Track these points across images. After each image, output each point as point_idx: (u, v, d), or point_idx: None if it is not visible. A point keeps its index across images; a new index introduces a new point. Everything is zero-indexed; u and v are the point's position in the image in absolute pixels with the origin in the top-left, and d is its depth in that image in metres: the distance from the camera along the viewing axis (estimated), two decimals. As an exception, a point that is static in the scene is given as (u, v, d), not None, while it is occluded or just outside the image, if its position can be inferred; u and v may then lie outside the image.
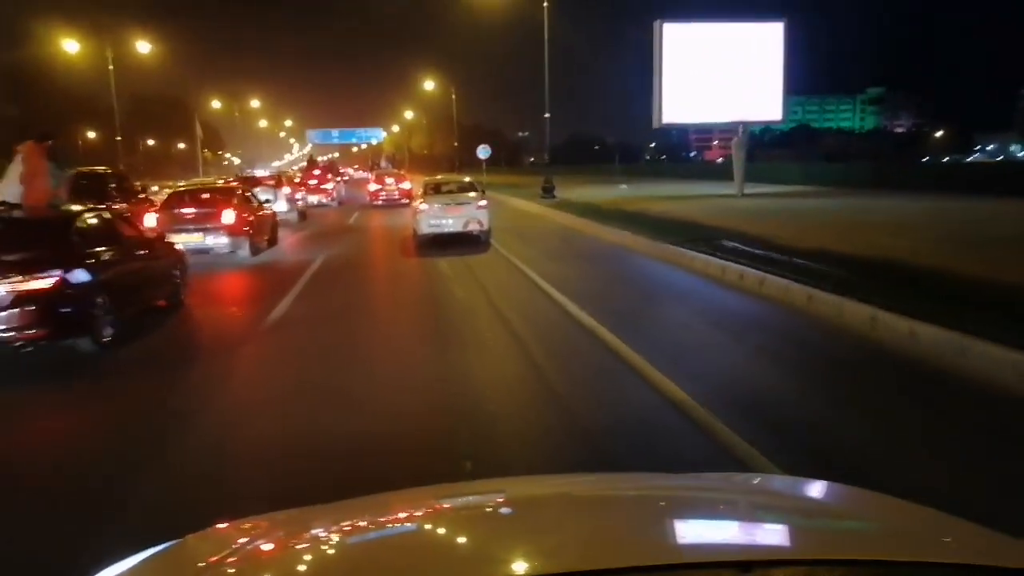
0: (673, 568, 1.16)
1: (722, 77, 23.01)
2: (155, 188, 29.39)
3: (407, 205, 25.11)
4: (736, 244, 12.13)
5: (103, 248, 8.01)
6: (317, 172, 36.44)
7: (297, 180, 29.46)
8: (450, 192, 16.60)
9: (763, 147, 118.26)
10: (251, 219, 15.26)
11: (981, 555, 1.29)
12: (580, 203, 22.93)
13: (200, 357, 7.58)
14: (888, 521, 1.56)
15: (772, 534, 1.51)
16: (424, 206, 15.68)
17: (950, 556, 1.29)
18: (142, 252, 8.99)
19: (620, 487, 1.95)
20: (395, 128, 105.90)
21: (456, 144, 56.62)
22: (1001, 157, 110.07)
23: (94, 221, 8.38)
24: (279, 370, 6.91)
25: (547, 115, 26.03)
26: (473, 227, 15.56)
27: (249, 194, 17.41)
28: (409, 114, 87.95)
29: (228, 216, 14.44)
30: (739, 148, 23.67)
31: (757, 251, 11.35)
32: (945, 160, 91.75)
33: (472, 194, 16.26)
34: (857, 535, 1.47)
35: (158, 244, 9.84)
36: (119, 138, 39.43)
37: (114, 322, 7.69)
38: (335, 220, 24.85)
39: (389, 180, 31.10)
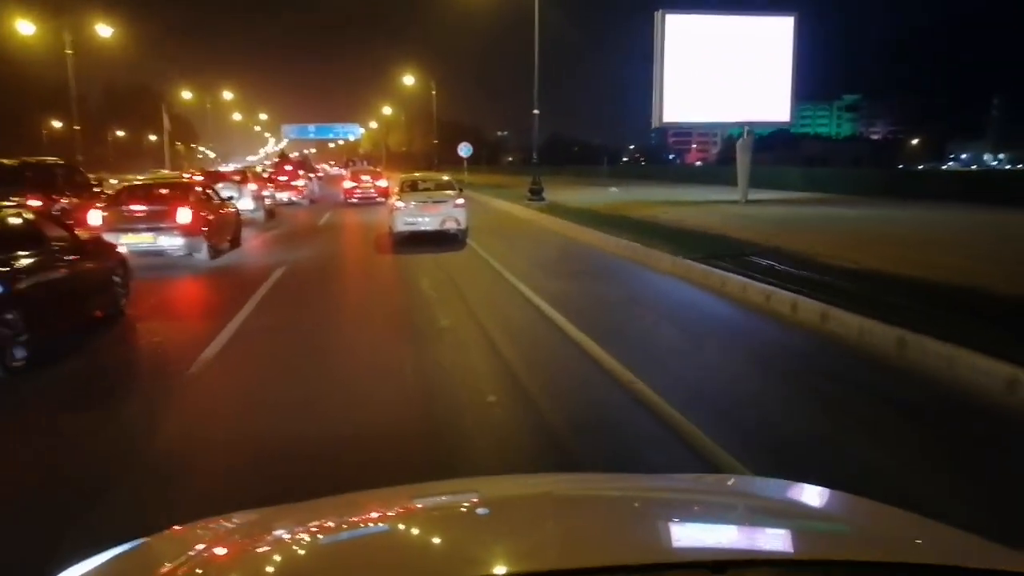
0: (648, 569, 1.11)
1: (727, 74, 21.14)
2: (114, 181, 27.04)
3: (383, 203, 24.30)
4: (771, 262, 10.19)
5: (18, 253, 6.80)
6: (289, 168, 34.22)
7: (266, 176, 27.23)
8: (427, 190, 16.15)
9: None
10: (210, 218, 13.81)
11: (952, 556, 1.28)
12: (573, 207, 20.96)
13: (129, 389, 6.08)
14: (861, 523, 1.54)
15: (747, 535, 1.47)
16: (400, 204, 15.19)
17: (922, 557, 1.28)
18: (71, 257, 7.75)
19: (596, 487, 1.92)
20: (373, 124, 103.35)
21: (436, 141, 54.40)
22: (975, 166, 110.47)
23: (8, 221, 7.16)
24: (225, 408, 5.54)
25: (535, 111, 24.02)
26: (450, 225, 15.09)
27: (210, 191, 15.60)
28: (387, 110, 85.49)
29: (183, 215, 12.91)
30: (744, 151, 21.81)
31: (802, 272, 9.42)
32: (922, 168, 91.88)
33: (449, 192, 15.86)
34: (830, 536, 1.45)
35: (93, 246, 8.65)
36: (77, 127, 36.62)
37: (30, 342, 6.43)
38: (305, 220, 22.66)
39: (365, 177, 29.70)
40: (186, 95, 70.47)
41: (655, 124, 21.57)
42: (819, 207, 20.40)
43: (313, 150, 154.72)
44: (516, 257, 13.27)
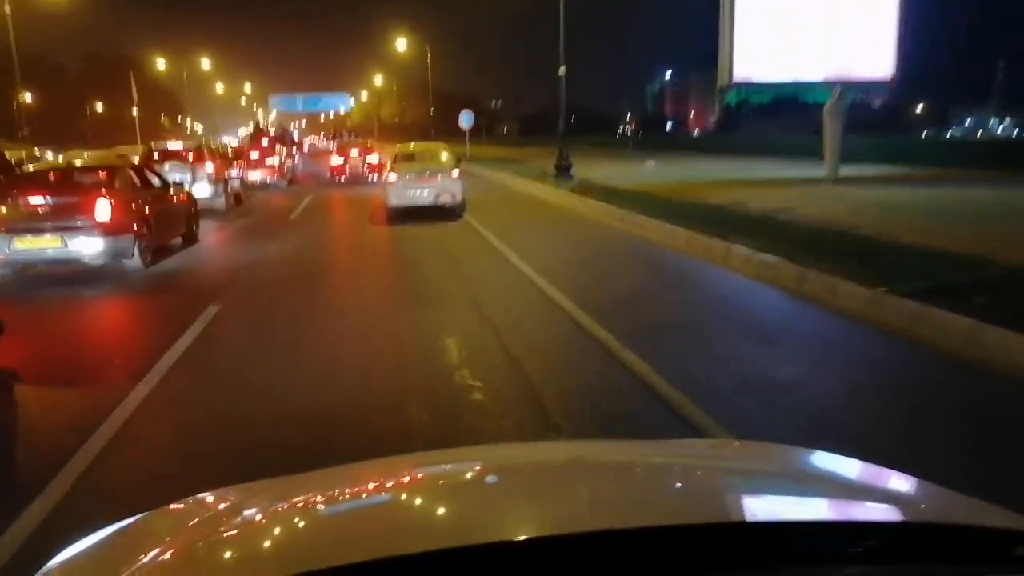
0: (658, 532, 1.05)
1: (816, 20, 16.27)
2: (50, 158, 22.08)
3: (375, 183, 21.50)
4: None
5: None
6: (266, 143, 29.18)
7: (231, 153, 22.32)
8: (423, 162, 15.26)
9: (746, 118, 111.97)
10: (145, 211, 10.46)
11: (962, 518, 1.22)
12: (620, 189, 16.15)
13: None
14: (859, 484, 1.50)
15: (743, 498, 1.42)
16: (394, 176, 14.49)
17: (921, 517, 1.25)
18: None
19: (595, 454, 1.85)
20: (364, 95, 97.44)
21: (432, 110, 49.22)
22: (980, 131, 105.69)
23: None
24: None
25: (562, 68, 19.06)
26: (445, 199, 14.44)
27: (148, 174, 11.68)
28: (379, 79, 79.55)
29: (103, 208, 9.57)
30: (835, 116, 16.89)
31: None
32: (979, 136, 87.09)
33: (445, 164, 15.14)
34: (836, 499, 1.40)
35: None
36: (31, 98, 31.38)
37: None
38: (280, 206, 17.81)
39: (353, 152, 25.52)
40: (160, 64, 64.31)
41: (722, 83, 16.67)
42: (935, 187, 15.63)
43: (303, 122, 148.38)
44: (592, 285, 8.39)
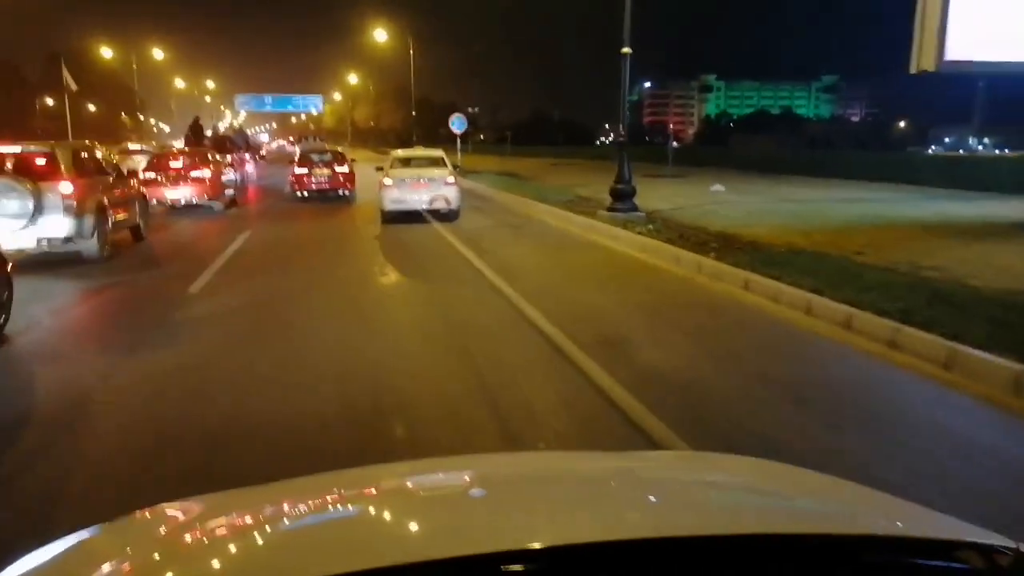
0: (633, 547, 1.02)
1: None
2: None
3: (347, 198, 18.70)
4: None
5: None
6: (202, 148, 22.31)
7: (119, 159, 15.38)
8: (418, 167, 14.54)
9: (738, 132, 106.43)
10: None
11: (908, 528, 1.25)
12: (744, 237, 9.75)
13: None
14: (825, 498, 1.45)
15: (711, 510, 1.34)
16: (389, 181, 13.92)
17: (875, 529, 1.22)
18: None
19: (567, 465, 1.82)
20: (337, 96, 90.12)
21: (414, 113, 42.37)
22: (961, 150, 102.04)
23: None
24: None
25: (625, 50, 12.52)
26: (440, 204, 13.91)
27: None
28: (353, 78, 72.15)
29: None
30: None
31: None
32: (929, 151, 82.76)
33: (441, 170, 14.32)
34: (797, 511, 1.36)
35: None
36: None
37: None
38: (187, 256, 11.00)
39: (319, 160, 19.33)
40: (107, 53, 56.59)
41: (919, 67, 10.10)
42: None
43: (273, 124, 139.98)
44: None
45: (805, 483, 1.55)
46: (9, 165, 9.73)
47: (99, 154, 11.31)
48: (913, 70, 10.19)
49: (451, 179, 14.10)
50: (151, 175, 15.07)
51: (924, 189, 18.44)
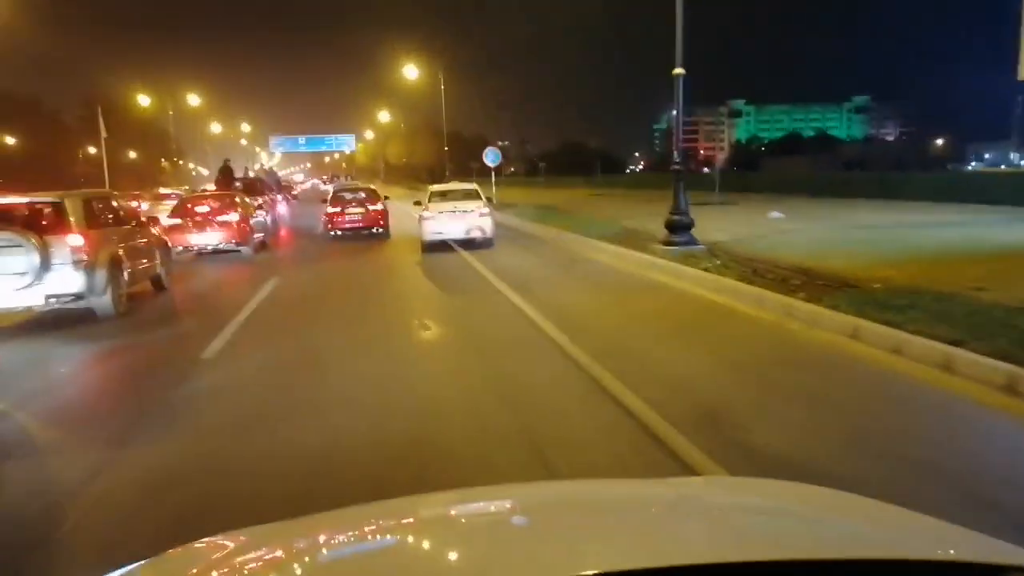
0: (672, 572, 1.02)
1: None
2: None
3: (381, 235, 18.11)
4: None
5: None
6: (235, 189, 21.66)
7: (144, 204, 14.59)
8: (455, 199, 15.35)
9: (769, 155, 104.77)
10: None
11: (954, 551, 1.22)
12: (833, 274, 8.43)
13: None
14: (867, 521, 1.40)
15: (759, 536, 1.31)
16: (428, 214, 14.83)
17: (922, 553, 1.20)
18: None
19: (605, 492, 1.79)
20: (369, 135, 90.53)
21: (446, 148, 41.76)
22: (1003, 166, 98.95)
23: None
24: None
25: (678, 71, 11.40)
26: (476, 234, 14.71)
27: None
28: (385, 115, 72.21)
29: None
30: None
31: None
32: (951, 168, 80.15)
33: (476, 202, 15.16)
34: (851, 536, 1.31)
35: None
36: None
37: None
38: (206, 308, 10.06)
39: (352, 198, 18.75)
40: (144, 100, 57.37)
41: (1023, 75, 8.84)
42: None
43: (308, 164, 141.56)
44: None
45: (850, 507, 1.49)
46: (14, 217, 8.87)
47: (116, 203, 10.43)
48: (1021, 77, 8.90)
49: (485, 210, 14.95)
50: (176, 221, 14.26)
51: (991, 208, 16.91)
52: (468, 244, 14.79)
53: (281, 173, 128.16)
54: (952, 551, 1.21)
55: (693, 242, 11.96)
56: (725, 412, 4.71)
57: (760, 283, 8.49)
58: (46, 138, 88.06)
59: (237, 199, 15.79)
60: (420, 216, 14.92)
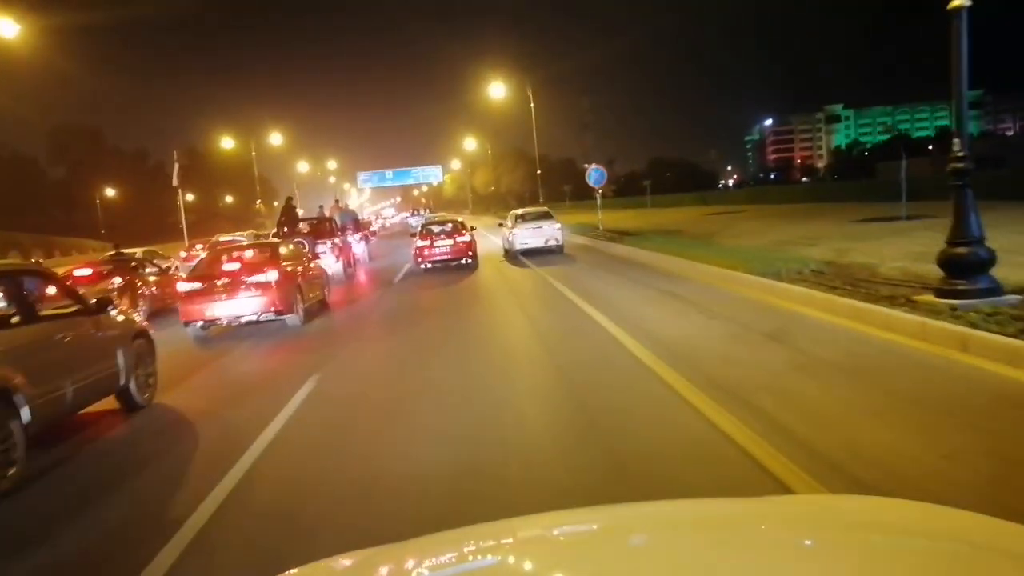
0: None
1: None
2: None
3: (470, 266, 17.57)
4: None
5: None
6: (298, 230, 17.98)
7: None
8: (533, 219, 19.83)
9: (879, 160, 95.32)
10: None
11: None
12: None
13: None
14: (959, 536, 1.28)
15: (838, 557, 1.22)
16: (516, 231, 19.29)
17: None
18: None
19: (712, 511, 1.65)
20: (455, 164, 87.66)
21: (539, 172, 37.29)
22: None
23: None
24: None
25: (958, 2, 6.47)
26: (552, 243, 19.05)
27: None
28: (471, 143, 68.66)
29: None
30: None
31: None
32: None
33: (548, 220, 19.60)
34: (936, 553, 1.21)
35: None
36: None
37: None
38: (204, 441, 5.71)
39: (439, 231, 18.26)
40: (228, 143, 55.87)
41: None
42: None
43: (398, 198, 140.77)
44: None
45: (971, 527, 1.33)
46: None
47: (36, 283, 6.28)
48: None
49: (557, 225, 19.39)
50: (194, 285, 10.18)
51: None
52: (608, 303, 10.11)
53: (372, 208, 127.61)
54: None
55: (996, 290, 6.85)
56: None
57: None
58: (153, 189, 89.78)
59: (281, 249, 11.61)
60: (506, 234, 20.06)
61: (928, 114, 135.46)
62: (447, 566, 1.31)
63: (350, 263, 19.28)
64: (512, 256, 18.77)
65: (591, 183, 23.07)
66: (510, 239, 19.34)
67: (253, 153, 53.02)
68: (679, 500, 2.26)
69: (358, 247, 22.45)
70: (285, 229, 17.90)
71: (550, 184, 62.91)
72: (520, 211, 21.30)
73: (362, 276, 19.26)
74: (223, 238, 23.47)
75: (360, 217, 30.14)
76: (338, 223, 21.88)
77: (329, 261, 17.04)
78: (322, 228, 18.61)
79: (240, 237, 22.23)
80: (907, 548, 1.25)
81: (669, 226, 21.66)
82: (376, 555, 1.41)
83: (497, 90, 35.35)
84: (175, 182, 31.84)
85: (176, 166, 31.82)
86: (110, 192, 75.44)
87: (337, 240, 18.01)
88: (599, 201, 23.66)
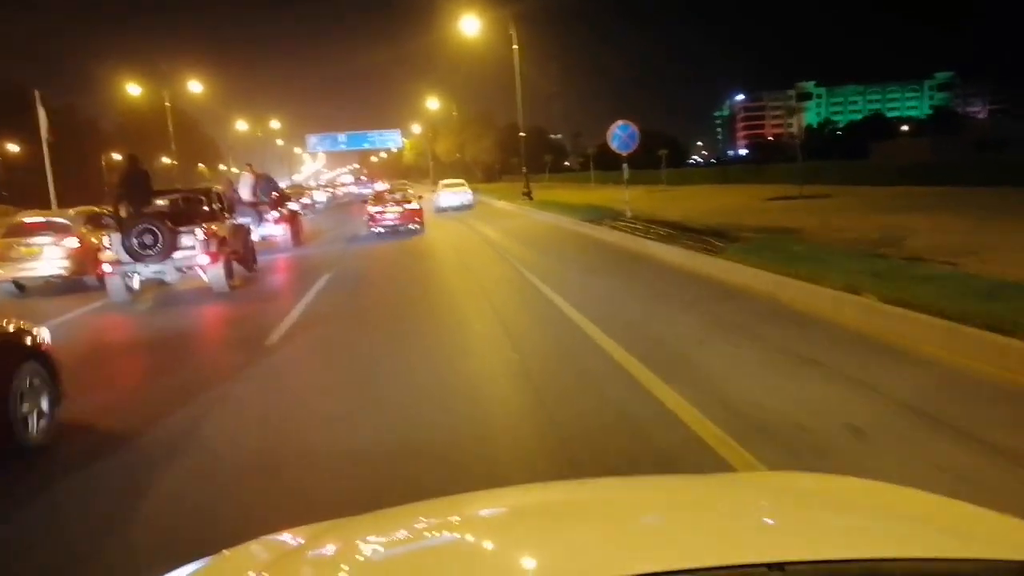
0: (708, 571, 0.96)
1: None
2: None
3: (418, 232, 17.88)
4: None
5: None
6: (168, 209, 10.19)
7: None
8: (452, 188, 27.81)
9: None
10: None
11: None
12: None
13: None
14: (919, 517, 1.28)
15: (803, 533, 1.20)
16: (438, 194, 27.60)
17: (994, 552, 1.06)
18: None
19: (642, 491, 1.62)
20: (417, 129, 78.95)
21: (522, 135, 29.73)
22: None
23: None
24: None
25: None
26: (465, 201, 26.75)
27: None
28: (434, 103, 60.07)
29: None
30: None
31: None
32: None
33: (463, 186, 28.20)
34: (888, 532, 1.19)
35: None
36: None
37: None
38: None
39: (390, 198, 19.27)
40: (134, 90, 46.64)
41: None
42: None
43: (356, 165, 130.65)
44: None
45: (915, 503, 1.36)
46: None
47: None
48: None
49: (468, 191, 27.90)
50: None
51: None
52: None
53: (328, 176, 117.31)
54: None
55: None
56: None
57: None
58: (86, 146, 78.86)
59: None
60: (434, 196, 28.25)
61: (899, 94, 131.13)
62: (400, 543, 1.25)
63: (247, 261, 11.64)
64: (440, 211, 25.04)
65: (614, 147, 15.66)
66: (434, 199, 27.23)
67: (167, 104, 43.73)
68: (631, 477, 2.30)
69: (270, 230, 14.77)
70: (126, 207, 10.08)
71: (512, 153, 55.06)
72: (446, 182, 29.26)
73: (283, 267, 11.76)
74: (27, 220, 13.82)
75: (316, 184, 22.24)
76: (242, 197, 14.17)
77: (202, 260, 9.48)
78: (192, 207, 10.77)
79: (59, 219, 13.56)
80: (855, 525, 1.22)
81: (733, 216, 14.41)
82: (326, 530, 1.35)
83: (470, 25, 27.31)
84: (44, 135, 23.22)
85: (41, 112, 23.18)
86: (13, 148, 64.71)
87: (218, 226, 10.23)
88: (626, 175, 16.16)
